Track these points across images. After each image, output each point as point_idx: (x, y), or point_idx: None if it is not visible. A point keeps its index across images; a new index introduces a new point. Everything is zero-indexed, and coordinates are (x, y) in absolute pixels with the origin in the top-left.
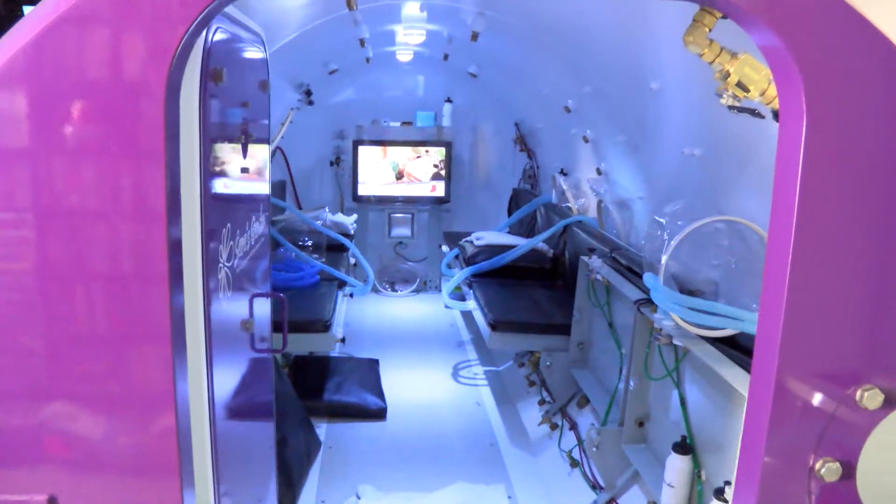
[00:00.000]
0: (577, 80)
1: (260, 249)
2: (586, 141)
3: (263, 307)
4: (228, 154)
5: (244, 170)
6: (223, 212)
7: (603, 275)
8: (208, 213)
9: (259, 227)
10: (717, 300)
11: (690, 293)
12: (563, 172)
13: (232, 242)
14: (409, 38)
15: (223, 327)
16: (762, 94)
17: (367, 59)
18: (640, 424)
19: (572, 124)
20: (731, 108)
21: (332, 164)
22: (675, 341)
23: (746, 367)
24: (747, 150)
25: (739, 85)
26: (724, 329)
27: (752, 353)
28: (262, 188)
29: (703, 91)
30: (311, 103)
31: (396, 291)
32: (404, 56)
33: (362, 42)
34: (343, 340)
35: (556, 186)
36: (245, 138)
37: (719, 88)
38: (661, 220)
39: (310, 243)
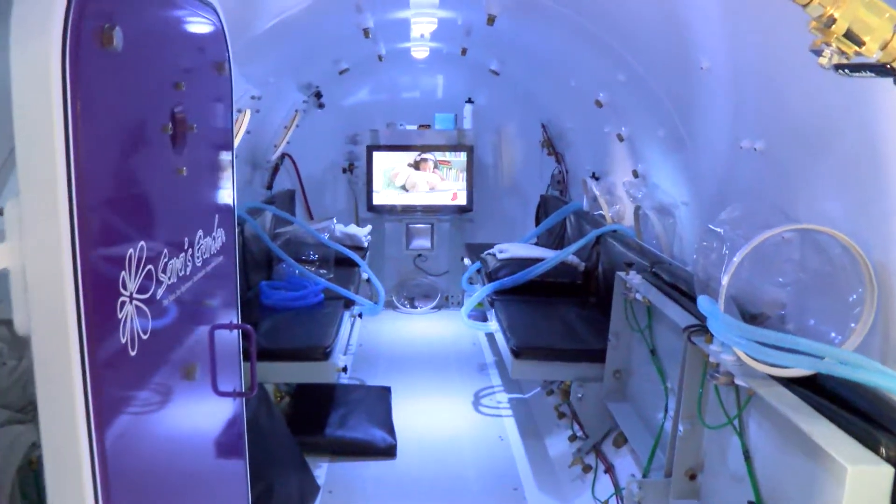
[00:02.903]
0: (610, 66)
1: (217, 272)
2: (621, 139)
3: (231, 339)
4: (142, 148)
5: (177, 170)
6: (128, 227)
7: (643, 294)
8: (89, 228)
9: (214, 244)
10: (784, 326)
11: (752, 318)
12: (594, 176)
13: (151, 267)
14: (418, 26)
15: (135, 371)
16: (884, 46)
17: (380, 57)
18: (692, 477)
19: (605, 121)
20: (837, 68)
21: (344, 171)
22: (738, 381)
23: (830, 416)
24: (824, 140)
25: (849, 36)
26: (799, 368)
27: (836, 397)
28: (220, 195)
29: (766, 69)
30: (321, 106)
31: (416, 308)
32: (420, 53)
33: (367, 32)
34: (345, 370)
35: (587, 192)
36: (177, 128)
37: (817, 43)
38: (718, 229)
39: (316, 258)
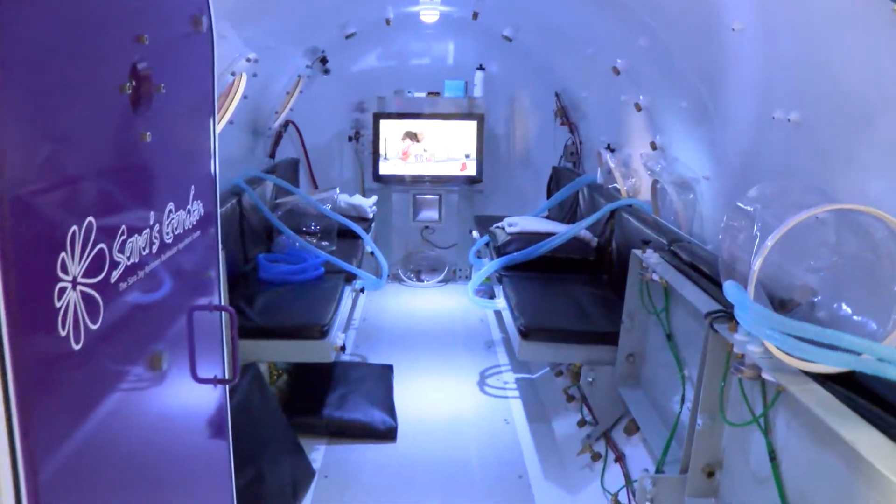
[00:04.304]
0: (630, 30)
1: (194, 250)
2: (639, 109)
3: (213, 322)
4: (89, 109)
5: (140, 136)
6: (68, 200)
7: (660, 274)
8: (6, 201)
9: (190, 218)
10: (814, 314)
11: (781, 304)
12: (610, 148)
13: (103, 246)
14: None
15: (80, 367)
16: None
17: (388, 21)
18: (710, 474)
19: (622, 89)
20: None
21: (350, 139)
22: (765, 375)
23: (869, 418)
24: (871, 111)
25: None
26: (839, 366)
27: (874, 395)
28: (197, 163)
29: (806, 29)
30: (327, 72)
31: (422, 281)
32: (429, 16)
33: None
34: (343, 348)
35: (601, 164)
36: (140, 88)
37: None
38: (747, 207)
39: (318, 230)
